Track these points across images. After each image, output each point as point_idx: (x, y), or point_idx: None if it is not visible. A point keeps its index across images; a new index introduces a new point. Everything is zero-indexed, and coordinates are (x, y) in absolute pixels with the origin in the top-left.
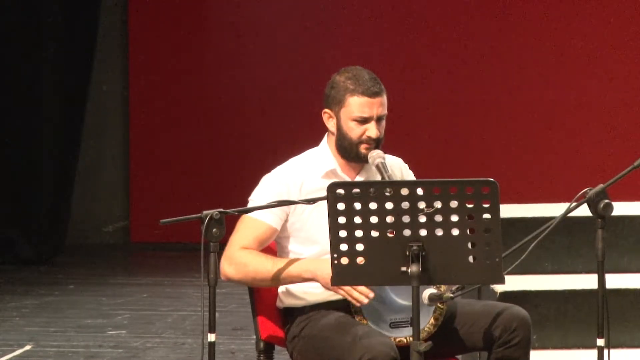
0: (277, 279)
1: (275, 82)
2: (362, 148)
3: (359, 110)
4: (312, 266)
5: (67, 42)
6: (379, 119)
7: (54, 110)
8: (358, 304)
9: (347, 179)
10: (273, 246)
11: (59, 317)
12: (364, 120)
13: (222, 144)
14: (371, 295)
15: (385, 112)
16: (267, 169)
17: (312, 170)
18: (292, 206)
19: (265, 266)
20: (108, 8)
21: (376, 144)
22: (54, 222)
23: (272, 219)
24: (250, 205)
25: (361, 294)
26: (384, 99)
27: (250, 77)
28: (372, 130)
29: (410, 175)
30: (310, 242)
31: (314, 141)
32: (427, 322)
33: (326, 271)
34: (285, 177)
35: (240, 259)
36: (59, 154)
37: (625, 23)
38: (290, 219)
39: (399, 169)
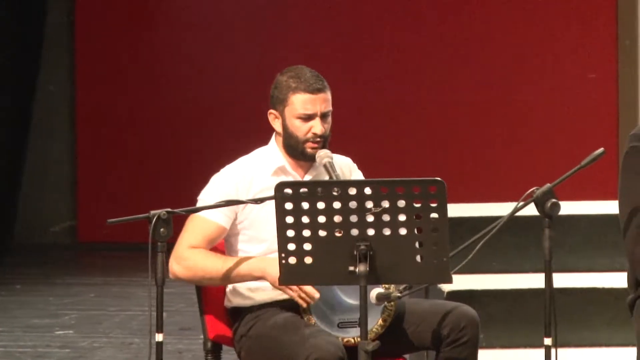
0: (227, 277)
1: (222, 82)
2: (308, 146)
3: (302, 108)
4: (262, 265)
5: (14, 42)
6: (323, 116)
7: (1, 110)
8: (305, 305)
9: (297, 176)
10: (221, 244)
11: (6, 317)
12: (308, 118)
13: (169, 144)
14: (317, 296)
15: (330, 108)
16: (215, 169)
17: (261, 168)
18: (241, 205)
19: (214, 265)
20: (55, 7)
21: (323, 140)
22: (0, 222)
23: (220, 218)
24: (198, 204)
25: (307, 295)
26: (328, 95)
27: (198, 78)
28: (317, 127)
29: (359, 176)
30: (258, 240)
31: (262, 141)
32: (376, 322)
33: (275, 270)
34: (234, 176)
35: (189, 258)
36: (6, 153)
37: (574, 26)
38: (239, 217)
39: (348, 168)
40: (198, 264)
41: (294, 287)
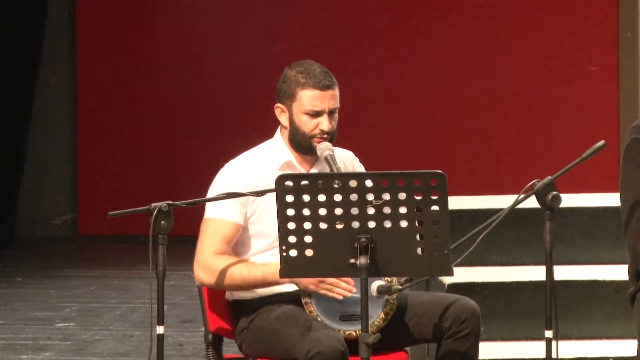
0: (254, 284)
1: (223, 77)
2: (315, 142)
3: (310, 104)
4: None
5: (15, 35)
6: (331, 112)
7: (1, 103)
8: (341, 297)
9: (303, 170)
10: None
11: (7, 310)
12: (315, 114)
13: (170, 137)
14: (354, 290)
15: (337, 105)
16: (216, 162)
17: (267, 162)
18: (249, 199)
19: (240, 273)
20: (56, 1)
21: (329, 137)
22: (1, 215)
23: (234, 215)
24: (209, 203)
25: (345, 289)
26: (336, 92)
27: (200, 71)
28: (324, 124)
29: (361, 169)
30: (264, 235)
31: (262, 135)
32: (377, 316)
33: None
34: (241, 170)
35: (216, 266)
36: (7, 146)
37: (575, 18)
38: (248, 211)
39: (350, 162)
40: (225, 272)
41: (330, 281)
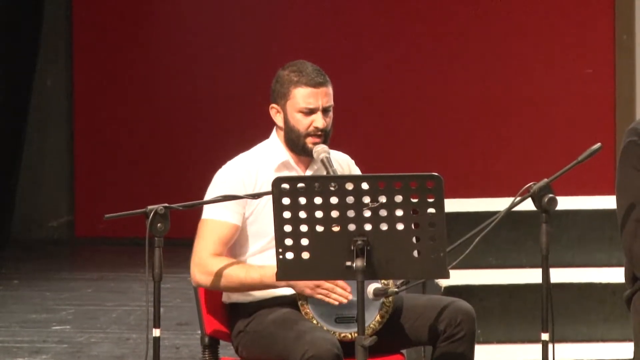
0: (251, 287)
1: (220, 77)
2: (309, 141)
3: (304, 102)
4: None
5: (11, 36)
6: (325, 110)
7: None
8: (337, 303)
9: (300, 171)
10: None
11: (3, 312)
12: (309, 112)
13: (166, 139)
14: (350, 297)
15: (331, 103)
16: (213, 164)
17: (265, 163)
18: (248, 199)
19: (238, 275)
20: (52, 1)
21: (324, 135)
22: None
23: (232, 216)
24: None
25: (341, 295)
26: (329, 89)
27: (196, 73)
28: (318, 121)
29: (357, 172)
30: (262, 234)
31: (258, 136)
32: (373, 318)
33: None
34: (239, 171)
35: (213, 267)
36: (3, 148)
37: (571, 21)
38: (246, 212)
39: (346, 165)
40: (221, 274)
41: (327, 286)
